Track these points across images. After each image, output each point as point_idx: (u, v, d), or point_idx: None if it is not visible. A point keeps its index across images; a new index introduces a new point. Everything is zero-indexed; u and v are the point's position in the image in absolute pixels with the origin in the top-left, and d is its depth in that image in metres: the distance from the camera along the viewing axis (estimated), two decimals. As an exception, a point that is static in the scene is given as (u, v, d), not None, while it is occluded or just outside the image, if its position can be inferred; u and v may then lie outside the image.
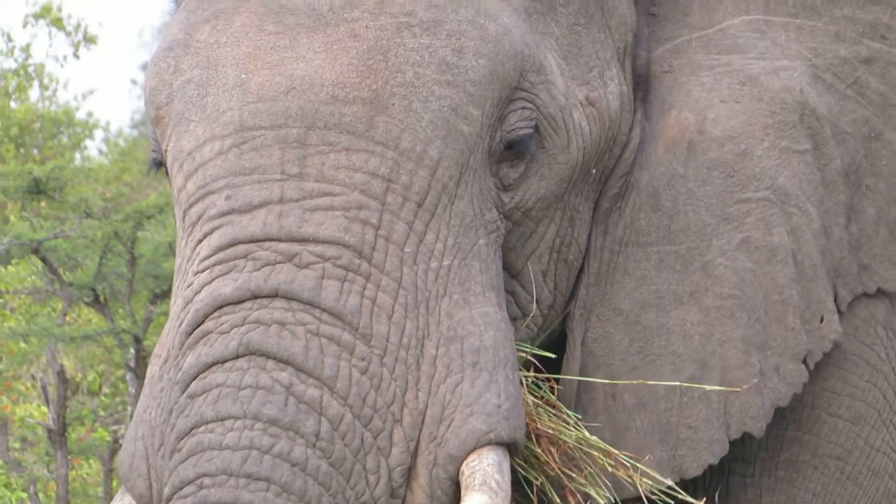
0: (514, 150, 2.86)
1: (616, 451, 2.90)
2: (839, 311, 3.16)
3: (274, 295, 2.60)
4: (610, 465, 2.88)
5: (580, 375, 3.03)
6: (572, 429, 2.90)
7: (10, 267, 7.51)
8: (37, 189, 7.35)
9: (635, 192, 3.10)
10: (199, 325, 2.63)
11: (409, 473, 2.61)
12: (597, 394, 3.01)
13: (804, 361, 3.09)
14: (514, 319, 2.92)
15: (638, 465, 2.89)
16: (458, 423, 2.61)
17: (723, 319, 3.06)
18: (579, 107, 2.96)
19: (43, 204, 7.49)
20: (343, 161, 2.67)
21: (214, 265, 2.66)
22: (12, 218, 7.79)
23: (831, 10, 3.18)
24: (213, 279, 2.65)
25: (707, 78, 3.15)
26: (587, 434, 2.90)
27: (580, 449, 2.88)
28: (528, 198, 2.89)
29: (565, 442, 2.87)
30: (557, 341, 3.08)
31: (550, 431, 2.87)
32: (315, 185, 2.65)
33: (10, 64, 11.29)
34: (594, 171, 3.02)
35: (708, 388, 2.98)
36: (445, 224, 2.72)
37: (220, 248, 2.66)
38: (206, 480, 2.51)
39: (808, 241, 3.11)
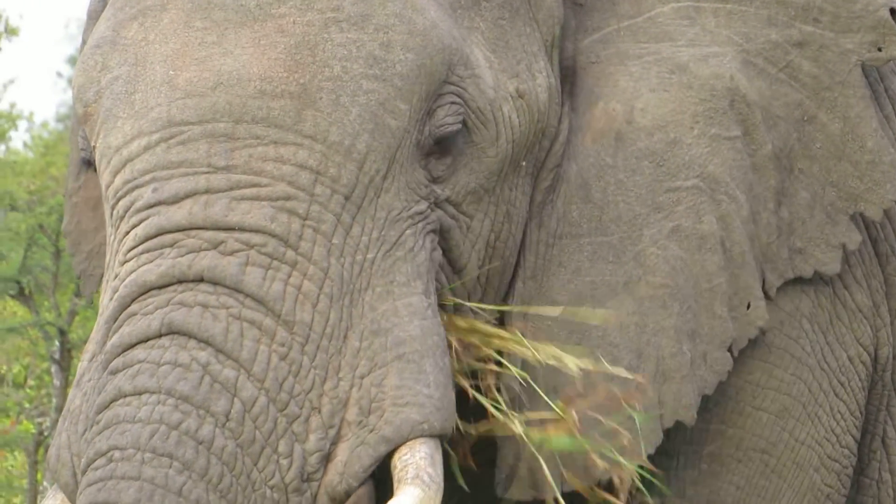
0: (441, 145, 2.92)
1: (539, 344, 2.97)
2: (767, 297, 3.19)
3: (199, 280, 2.65)
4: (531, 350, 2.95)
5: (523, 369, 3.06)
6: (490, 328, 2.97)
7: (-67, 261, 7.59)
8: (-40, 182, 7.50)
9: (566, 183, 3.15)
10: (125, 310, 2.70)
11: (328, 458, 2.65)
12: (541, 389, 3.04)
13: (729, 349, 3.18)
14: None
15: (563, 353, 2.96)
16: (391, 413, 2.69)
17: (656, 309, 3.13)
18: (510, 99, 3.01)
19: (-33, 197, 7.60)
20: (271, 153, 2.73)
21: (140, 254, 2.71)
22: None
23: None
24: (139, 267, 2.70)
25: (635, 67, 3.22)
26: (506, 332, 2.98)
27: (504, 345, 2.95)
28: (458, 191, 2.96)
29: (485, 340, 2.96)
30: None
31: (466, 327, 2.96)
32: (242, 176, 2.71)
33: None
34: (524, 163, 3.08)
35: (612, 370, 3.01)
36: (371, 217, 2.79)
37: (147, 238, 2.73)
38: (116, 454, 2.57)
39: (736, 229, 3.18)
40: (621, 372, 2.97)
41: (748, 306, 3.16)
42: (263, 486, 2.58)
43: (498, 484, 2.98)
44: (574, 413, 2.94)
